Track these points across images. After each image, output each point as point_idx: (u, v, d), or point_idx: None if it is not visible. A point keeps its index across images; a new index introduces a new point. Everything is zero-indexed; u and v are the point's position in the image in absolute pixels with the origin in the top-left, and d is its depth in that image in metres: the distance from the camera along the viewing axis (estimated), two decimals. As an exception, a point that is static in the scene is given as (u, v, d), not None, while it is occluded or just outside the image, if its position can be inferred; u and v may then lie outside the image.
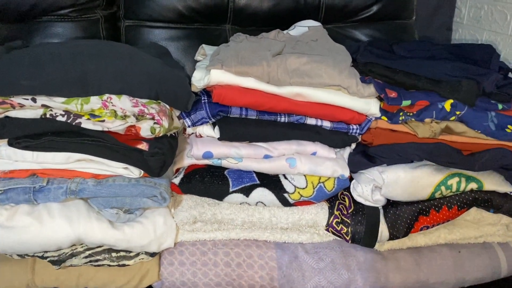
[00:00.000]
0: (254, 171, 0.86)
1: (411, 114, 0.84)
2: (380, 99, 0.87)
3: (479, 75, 0.83)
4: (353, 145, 0.91)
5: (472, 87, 0.82)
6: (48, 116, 0.73)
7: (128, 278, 0.84)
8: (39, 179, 0.78)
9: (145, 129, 0.77)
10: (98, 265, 0.82)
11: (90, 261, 0.81)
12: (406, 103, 0.83)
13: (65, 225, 0.76)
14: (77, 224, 0.77)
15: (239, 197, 0.83)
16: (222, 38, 1.18)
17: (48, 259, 0.79)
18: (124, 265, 0.83)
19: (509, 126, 0.85)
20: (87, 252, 0.81)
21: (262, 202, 0.84)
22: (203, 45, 1.03)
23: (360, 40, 1.19)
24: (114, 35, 1.16)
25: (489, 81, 0.82)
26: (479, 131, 0.84)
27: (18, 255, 0.80)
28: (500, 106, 0.85)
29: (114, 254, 0.82)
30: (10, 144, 0.73)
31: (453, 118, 0.83)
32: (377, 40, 1.00)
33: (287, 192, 0.84)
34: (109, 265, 0.82)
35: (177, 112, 0.84)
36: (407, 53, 0.95)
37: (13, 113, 0.72)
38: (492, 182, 0.86)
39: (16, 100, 0.72)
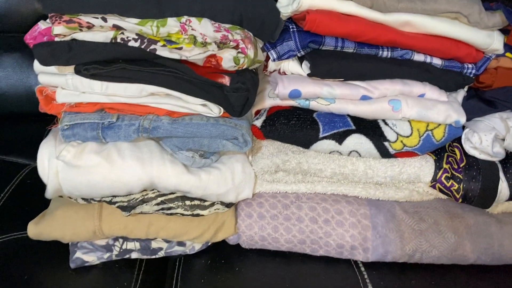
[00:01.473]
0: (349, 115, 0.73)
1: (545, 49, 0.68)
2: (505, 31, 0.72)
3: None
4: (466, 88, 0.77)
5: None
6: (119, 40, 0.63)
7: (202, 229, 0.75)
8: (109, 115, 0.69)
9: (227, 59, 0.65)
10: (171, 214, 0.73)
11: (162, 209, 0.72)
12: (545, 34, 0.67)
13: (137, 167, 0.68)
14: (150, 166, 0.68)
15: (331, 143, 0.72)
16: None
17: (117, 204, 0.71)
18: (198, 215, 0.74)
19: None
20: (159, 199, 0.72)
21: (357, 151, 0.72)
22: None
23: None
24: None
25: None
26: None
27: (83, 199, 0.72)
28: None
29: (188, 202, 0.73)
30: (77, 71, 0.64)
31: None
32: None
33: (388, 140, 0.72)
34: (182, 214, 0.73)
35: (261, 43, 0.72)
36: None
37: (80, 35, 0.62)
38: None
39: (85, 18, 0.62)
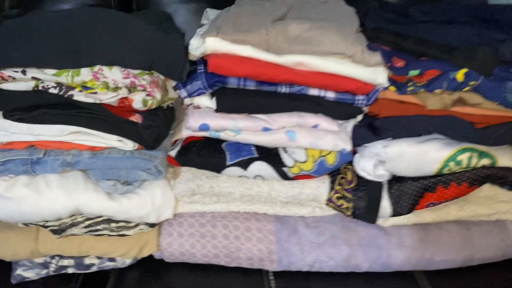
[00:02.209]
0: (253, 144, 0.83)
1: (420, 84, 0.78)
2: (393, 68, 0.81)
3: (498, 41, 0.75)
4: (360, 117, 0.86)
5: (490, 55, 0.75)
6: (40, 88, 0.73)
7: (128, 247, 0.85)
8: (37, 151, 0.78)
9: (137, 101, 0.75)
10: (98, 235, 0.83)
11: (90, 231, 0.82)
12: (414, 72, 0.77)
13: (63, 196, 0.77)
14: (75, 195, 0.78)
15: (237, 170, 0.82)
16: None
17: (49, 228, 0.81)
18: (124, 235, 0.84)
19: (530, 97, 0.78)
20: (87, 222, 0.82)
21: (260, 176, 0.82)
22: (207, 9, 0.99)
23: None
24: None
25: (507, 48, 0.74)
26: (497, 103, 0.78)
27: (22, 223, 0.82)
28: (520, 75, 0.78)
29: (113, 224, 0.83)
30: (4, 116, 0.74)
31: (466, 88, 0.77)
32: (390, 3, 0.92)
33: (286, 166, 0.81)
34: (109, 235, 0.83)
35: (173, 83, 0.82)
36: (423, 16, 0.87)
37: (5, 86, 0.72)
38: (508, 158, 0.80)
39: (6, 72, 0.71)
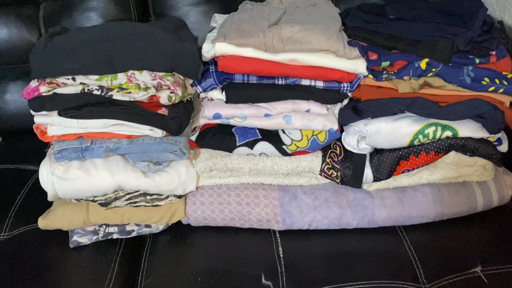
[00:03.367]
0: (257, 128, 1.02)
1: (392, 72, 0.94)
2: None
3: (454, 34, 0.91)
4: (346, 101, 1.04)
5: (447, 46, 0.91)
6: (86, 91, 0.92)
7: (160, 215, 1.05)
8: (85, 140, 0.98)
9: (163, 97, 0.94)
10: (137, 206, 1.03)
11: (130, 203, 1.02)
12: (385, 64, 0.94)
13: (107, 176, 0.97)
14: (117, 174, 0.97)
15: (245, 149, 1.00)
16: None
17: (97, 202, 1.01)
18: (157, 205, 1.04)
19: (485, 79, 0.94)
20: (127, 196, 1.02)
21: (264, 153, 1.01)
22: (215, 14, 1.16)
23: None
24: None
25: (462, 39, 0.90)
26: (456, 85, 0.94)
27: (75, 199, 1.03)
28: (477, 61, 0.94)
29: (148, 197, 1.03)
30: (59, 114, 0.93)
31: (430, 74, 0.94)
32: (368, 4, 1.08)
33: (285, 144, 1.00)
34: (145, 206, 1.03)
35: (190, 81, 1.00)
36: (396, 13, 1.03)
37: (59, 90, 0.91)
38: (467, 130, 0.97)
39: (60, 80, 0.90)
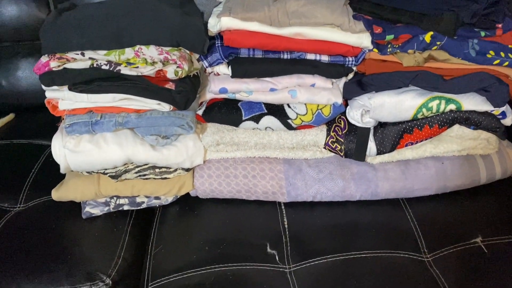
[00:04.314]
0: (262, 102, 1.03)
1: (396, 46, 0.95)
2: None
3: (459, 7, 0.91)
4: (351, 75, 1.05)
5: (452, 19, 0.91)
6: (95, 65, 0.94)
7: (169, 188, 1.08)
8: (95, 115, 1.00)
9: (170, 72, 0.95)
10: (146, 178, 1.06)
11: (139, 175, 1.05)
12: (389, 37, 0.94)
13: (117, 149, 1.00)
14: (126, 147, 1.00)
15: (251, 123, 1.02)
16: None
17: (108, 174, 1.04)
18: (165, 178, 1.07)
19: (490, 52, 0.94)
20: (137, 169, 1.05)
21: (270, 127, 1.03)
22: (222, -11, 1.17)
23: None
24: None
25: (467, 12, 0.90)
26: (460, 58, 0.94)
27: (86, 172, 1.06)
28: (483, 34, 0.94)
29: (157, 170, 1.06)
30: (70, 89, 0.95)
31: (435, 48, 0.94)
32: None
33: (290, 118, 1.01)
34: (154, 178, 1.06)
35: (196, 56, 1.02)
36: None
37: (68, 65, 0.93)
38: (471, 103, 0.97)
39: (70, 55, 0.93)
